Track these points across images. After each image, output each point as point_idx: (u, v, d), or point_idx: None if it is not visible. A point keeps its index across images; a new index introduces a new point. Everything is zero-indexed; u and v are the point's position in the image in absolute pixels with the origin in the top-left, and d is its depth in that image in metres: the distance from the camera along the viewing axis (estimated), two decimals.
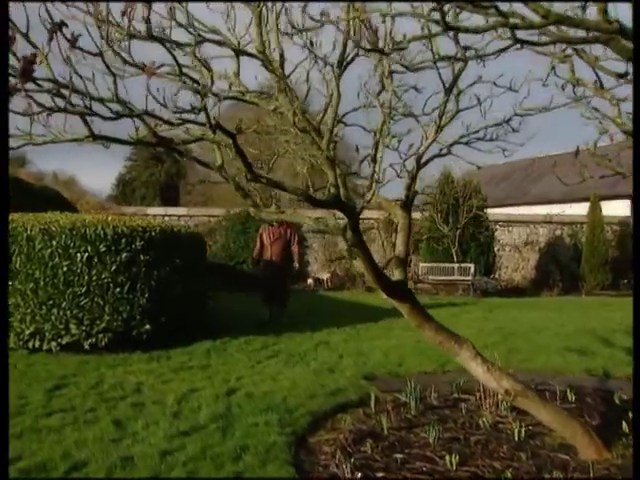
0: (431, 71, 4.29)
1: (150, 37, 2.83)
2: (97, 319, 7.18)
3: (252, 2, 2.98)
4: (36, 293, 7.16)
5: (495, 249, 16.89)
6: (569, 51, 4.01)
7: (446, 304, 13.29)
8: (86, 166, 51.05)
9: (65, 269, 7.12)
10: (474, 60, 3.84)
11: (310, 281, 17.21)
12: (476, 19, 2.87)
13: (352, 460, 4.00)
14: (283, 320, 9.74)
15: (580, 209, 20.79)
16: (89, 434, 4.55)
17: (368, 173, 4.45)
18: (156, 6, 2.75)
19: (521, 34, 2.74)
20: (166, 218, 17.48)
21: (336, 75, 3.56)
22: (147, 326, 7.37)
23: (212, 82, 2.69)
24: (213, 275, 10.99)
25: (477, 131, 4.30)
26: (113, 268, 7.20)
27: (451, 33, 3.87)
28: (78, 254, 7.14)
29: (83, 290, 7.14)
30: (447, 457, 4.00)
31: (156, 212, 19.17)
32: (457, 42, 3.74)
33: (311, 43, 3.61)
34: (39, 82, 2.82)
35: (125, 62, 2.74)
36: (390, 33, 3.22)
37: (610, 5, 2.07)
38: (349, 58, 3.65)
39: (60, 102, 3.05)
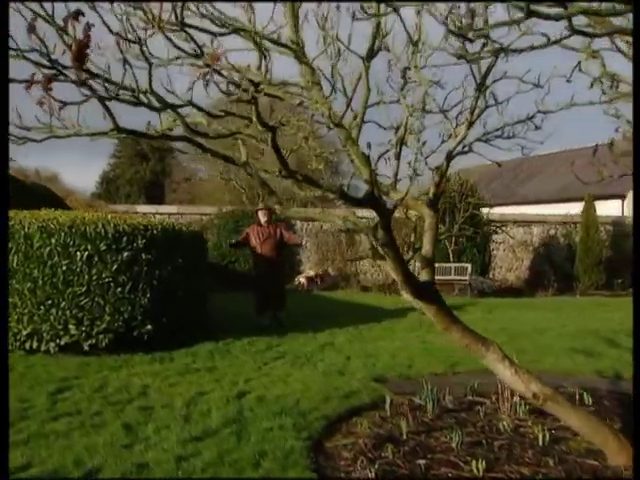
0: (447, 67, 4.21)
1: (182, 26, 2.72)
2: (97, 319, 7.03)
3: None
4: (34, 293, 6.99)
5: (490, 249, 16.87)
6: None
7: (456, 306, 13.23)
8: (66, 163, 50.49)
9: (64, 268, 6.97)
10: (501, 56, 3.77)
11: (302, 280, 17.09)
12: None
13: (376, 466, 3.91)
14: (284, 323, 9.44)
15: (571, 209, 20.87)
16: (99, 439, 4.42)
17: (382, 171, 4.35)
18: None
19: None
20: (157, 216, 17.28)
21: (366, 67, 3.47)
22: (148, 327, 7.24)
23: (267, 71, 2.58)
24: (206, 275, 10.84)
25: (501, 128, 4.21)
26: (114, 267, 7.06)
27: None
28: (78, 253, 6.99)
29: (83, 290, 6.99)
30: (473, 463, 3.92)
31: (146, 210, 18.95)
32: (488, 37, 3.66)
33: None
34: (65, 72, 2.70)
35: (178, 48, 2.61)
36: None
37: None
38: (376, 50, 3.56)
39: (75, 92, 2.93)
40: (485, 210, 16.81)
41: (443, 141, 4.44)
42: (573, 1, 3.29)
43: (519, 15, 2.10)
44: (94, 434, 4.54)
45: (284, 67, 3.93)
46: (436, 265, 15.55)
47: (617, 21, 3.12)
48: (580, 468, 3.87)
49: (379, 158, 4.46)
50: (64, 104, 2.44)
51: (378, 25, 3.46)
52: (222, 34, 2.77)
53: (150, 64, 2.39)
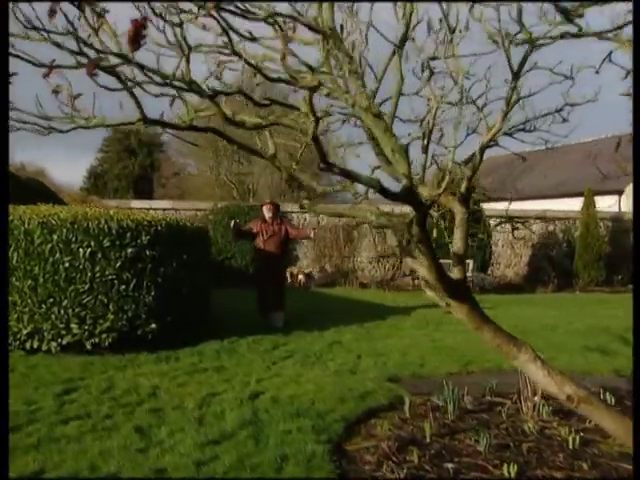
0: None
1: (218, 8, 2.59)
2: (100, 318, 6.89)
3: None
4: (35, 290, 6.84)
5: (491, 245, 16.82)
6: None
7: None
8: (52, 158, 50.05)
9: (67, 265, 6.82)
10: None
11: (301, 277, 16.98)
12: None
13: (404, 470, 3.82)
14: (279, 325, 9.04)
15: (568, 204, 20.87)
16: (112, 443, 4.30)
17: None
18: None
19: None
20: (151, 212, 17.09)
21: (399, 55, 3.35)
22: (153, 325, 7.10)
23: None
24: None
25: (529, 121, 4.10)
26: (118, 264, 6.92)
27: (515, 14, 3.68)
28: (80, 249, 6.84)
29: (86, 287, 6.84)
30: (505, 466, 3.83)
31: (140, 205, 18.74)
32: (522, 24, 3.56)
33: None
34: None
35: (225, 32, 2.48)
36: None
37: None
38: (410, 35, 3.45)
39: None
40: (503, 206, 16.76)
41: (468, 134, 4.34)
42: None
43: None
44: (107, 438, 4.42)
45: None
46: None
47: None
48: (616, 472, 3.80)
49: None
50: (109, 89, 2.31)
51: (411, 12, 3.35)
52: (255, 19, 2.64)
53: (189, 48, 2.27)
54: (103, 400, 5.29)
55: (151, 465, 3.95)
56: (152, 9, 2.14)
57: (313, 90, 2.35)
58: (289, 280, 16.38)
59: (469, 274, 15.15)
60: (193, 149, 45.93)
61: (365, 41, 3.06)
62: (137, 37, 1.68)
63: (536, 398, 5.11)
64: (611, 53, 4.09)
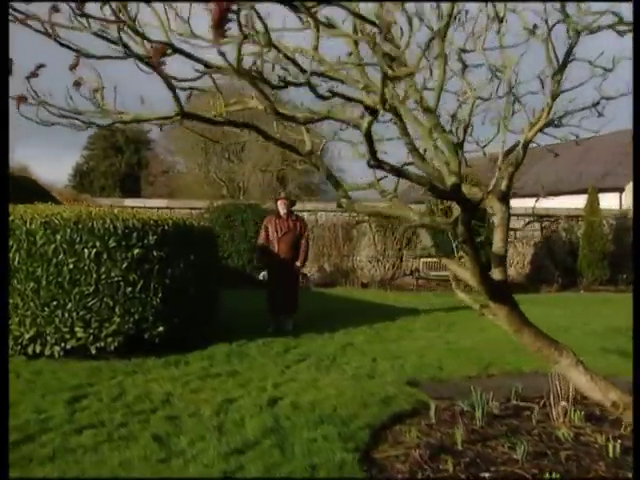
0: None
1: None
2: (106, 321, 6.76)
3: None
4: (37, 293, 6.70)
5: None
6: None
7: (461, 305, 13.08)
8: (35, 155, 49.68)
9: (71, 266, 6.68)
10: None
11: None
12: None
13: None
14: (289, 327, 8.89)
15: (565, 203, 20.83)
16: (131, 453, 4.19)
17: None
18: None
19: None
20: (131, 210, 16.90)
21: (442, 48, 3.25)
22: (160, 328, 6.98)
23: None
24: None
25: (566, 115, 4.03)
26: (124, 265, 6.78)
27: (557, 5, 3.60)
28: (85, 250, 6.70)
29: (91, 289, 6.71)
30: (546, 475, 3.75)
31: (134, 204, 18.54)
32: (566, 14, 3.48)
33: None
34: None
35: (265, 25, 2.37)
36: None
37: None
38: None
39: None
40: (530, 203, 16.65)
41: (498, 130, 4.26)
42: None
43: None
44: (124, 448, 4.30)
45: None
46: (435, 260, 15.46)
47: None
48: None
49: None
50: (189, 88, 2.19)
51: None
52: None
53: (245, 36, 2.16)
54: (115, 407, 5.17)
55: (175, 477, 3.84)
56: None
57: (390, 80, 2.23)
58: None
59: None
60: (182, 147, 45.74)
61: (410, 30, 2.95)
62: (222, 22, 1.57)
63: (563, 403, 5.04)
64: None
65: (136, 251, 6.84)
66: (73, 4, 2.06)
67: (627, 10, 3.59)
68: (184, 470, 3.94)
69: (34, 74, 2.75)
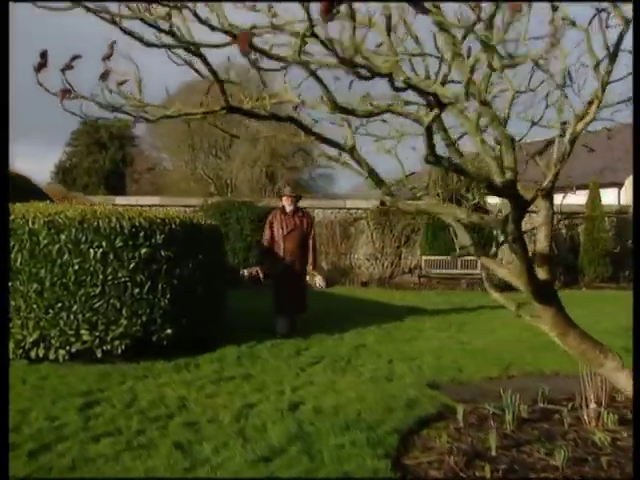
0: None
1: None
2: (113, 323, 6.63)
3: None
4: (41, 295, 6.57)
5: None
6: None
7: (467, 304, 13.03)
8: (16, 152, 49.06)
9: (76, 267, 6.55)
10: None
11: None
12: None
13: None
14: (298, 326, 8.73)
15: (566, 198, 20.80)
16: (155, 462, 4.09)
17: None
18: None
19: None
20: (138, 208, 16.74)
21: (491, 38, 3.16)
22: (168, 330, 6.86)
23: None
24: None
25: (606, 107, 3.95)
26: (131, 265, 6.66)
27: None
28: (91, 250, 6.57)
29: (97, 291, 6.58)
30: None
31: (126, 202, 18.38)
32: (615, 4, 3.41)
33: None
34: None
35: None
36: None
37: None
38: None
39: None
40: (557, 201, 16.65)
41: (534, 123, 4.20)
42: None
43: None
44: (146, 456, 4.20)
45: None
46: (443, 258, 15.45)
47: None
48: None
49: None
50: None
51: None
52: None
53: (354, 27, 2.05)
54: (130, 414, 5.06)
55: None
56: None
57: (475, 75, 2.15)
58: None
59: (477, 271, 15.09)
60: (168, 143, 45.51)
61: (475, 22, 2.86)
62: (331, 6, 1.47)
63: (593, 405, 4.99)
64: None
65: (143, 251, 6.72)
66: None
67: None
68: None
69: (69, 66, 2.65)
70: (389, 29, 2.88)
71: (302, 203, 19.07)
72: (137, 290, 6.70)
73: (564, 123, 4.16)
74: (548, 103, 4.05)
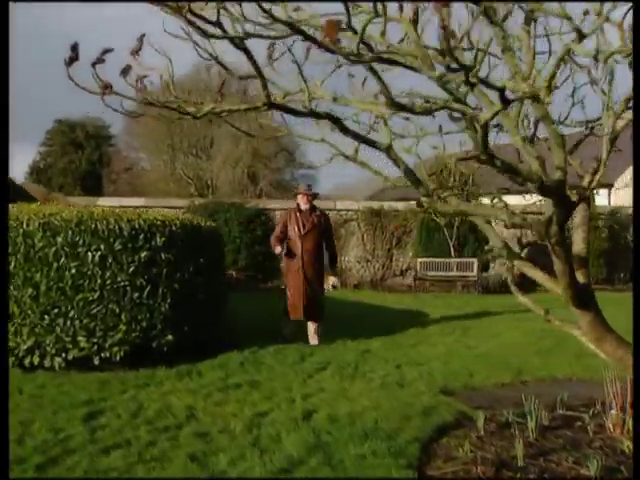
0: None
1: None
2: (111, 329, 6.49)
3: None
4: (36, 300, 6.41)
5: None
6: None
7: (468, 308, 13.00)
8: None
9: (73, 271, 6.40)
10: None
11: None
12: None
13: None
14: (319, 333, 8.29)
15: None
16: (170, 475, 3.98)
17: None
18: None
19: None
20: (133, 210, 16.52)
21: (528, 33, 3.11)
22: (169, 336, 6.73)
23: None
24: None
25: None
26: (131, 269, 6.53)
27: None
28: (89, 253, 6.44)
29: (95, 296, 6.44)
30: None
31: (109, 203, 18.14)
32: None
33: None
34: None
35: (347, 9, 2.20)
36: None
37: None
38: None
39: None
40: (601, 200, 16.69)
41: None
42: None
43: None
44: (160, 469, 4.11)
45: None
46: (439, 260, 15.41)
47: None
48: None
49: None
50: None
51: None
52: None
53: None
54: (137, 424, 4.94)
55: None
56: None
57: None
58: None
59: (474, 274, 15.09)
60: (145, 142, 45.10)
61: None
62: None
63: (613, 411, 4.95)
64: None
65: (143, 254, 6.59)
66: None
67: None
68: None
69: (100, 60, 2.56)
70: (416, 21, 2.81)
71: (289, 204, 19.07)
72: (137, 294, 6.57)
73: (591, 121, 4.12)
74: (575, 101, 4.01)
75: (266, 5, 2.36)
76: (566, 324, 3.94)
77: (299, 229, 8.24)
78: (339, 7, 2.93)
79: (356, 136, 2.99)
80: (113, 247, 6.49)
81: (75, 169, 44.80)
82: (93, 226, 6.49)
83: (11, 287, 6.41)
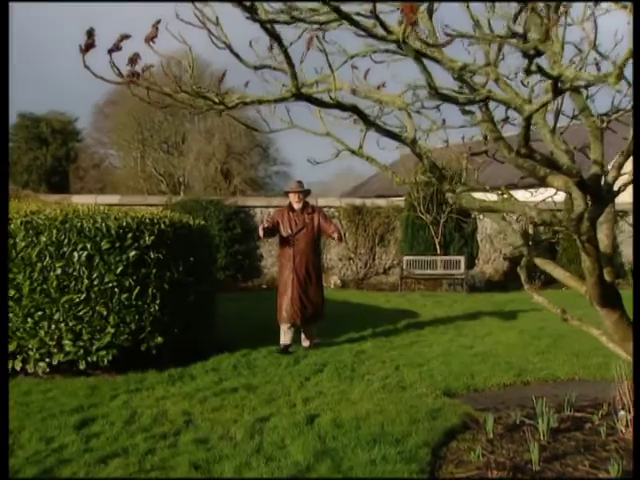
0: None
1: None
2: (98, 332, 6.35)
3: None
4: (19, 302, 6.25)
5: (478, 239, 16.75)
6: None
7: (457, 307, 13.01)
8: None
9: (58, 272, 6.25)
10: None
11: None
12: None
13: None
14: (313, 336, 8.09)
15: (536, 195, 21.05)
16: None
17: None
18: None
19: None
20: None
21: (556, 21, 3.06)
22: (159, 339, 6.60)
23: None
24: None
25: None
26: (119, 269, 6.38)
27: None
28: (75, 253, 6.28)
29: (82, 297, 6.28)
30: None
31: (83, 200, 17.86)
32: None
33: None
34: None
35: None
36: None
37: None
38: None
39: None
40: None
41: (574, 117, 4.11)
42: None
43: None
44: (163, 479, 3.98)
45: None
46: (425, 258, 15.41)
47: None
48: None
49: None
50: None
51: None
52: None
53: None
54: (133, 431, 4.81)
55: None
56: None
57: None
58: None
59: (461, 271, 15.11)
60: (115, 139, 44.52)
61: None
62: None
63: (622, 412, 4.94)
64: None
65: (132, 253, 6.44)
66: None
67: None
68: None
69: (117, 47, 2.45)
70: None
71: (264, 202, 18.92)
72: (125, 296, 6.42)
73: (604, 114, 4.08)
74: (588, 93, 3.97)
75: None
76: (585, 324, 3.91)
77: (291, 229, 8.00)
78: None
79: (380, 129, 2.91)
80: (100, 246, 6.34)
81: (40, 165, 44.09)
82: (79, 224, 6.34)
83: None
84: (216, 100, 2.24)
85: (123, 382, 6.16)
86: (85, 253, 6.30)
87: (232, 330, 8.65)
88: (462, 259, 15.10)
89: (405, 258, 15.35)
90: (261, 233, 8.00)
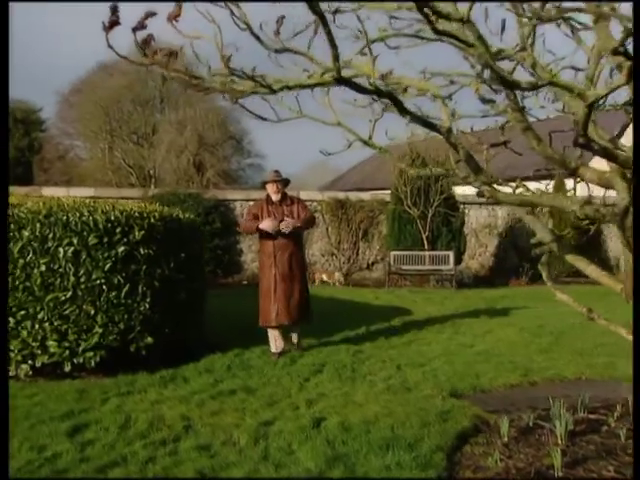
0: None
1: None
2: (85, 332, 6.17)
3: None
4: None
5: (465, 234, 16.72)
6: None
7: (457, 304, 12.96)
8: None
9: (43, 268, 6.05)
10: None
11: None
12: None
13: None
14: (298, 339, 7.81)
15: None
16: None
17: None
18: None
19: None
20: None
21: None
22: (149, 339, 6.43)
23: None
24: None
25: None
26: (107, 266, 6.20)
27: None
28: (60, 248, 6.09)
29: (68, 295, 6.09)
30: None
31: (55, 192, 17.50)
32: None
33: None
34: None
35: None
36: None
37: None
38: None
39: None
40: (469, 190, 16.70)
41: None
42: None
43: None
44: None
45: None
46: (412, 254, 15.35)
47: None
48: None
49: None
50: None
51: None
52: None
53: None
54: (130, 438, 4.66)
55: None
56: None
57: None
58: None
59: (450, 267, 15.09)
60: (81, 129, 43.81)
61: None
62: None
63: None
64: None
65: (121, 249, 6.26)
66: None
67: None
68: None
69: (142, 25, 2.32)
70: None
71: (244, 195, 18.67)
72: (114, 294, 6.24)
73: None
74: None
75: None
76: (612, 324, 3.84)
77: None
78: None
79: (416, 118, 2.80)
80: (87, 241, 6.15)
81: None
82: (64, 218, 6.14)
83: None
84: (263, 83, 2.11)
85: (113, 385, 5.99)
86: (71, 249, 6.11)
87: (218, 328, 8.48)
88: (451, 254, 15.08)
89: (392, 253, 15.28)
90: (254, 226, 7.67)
